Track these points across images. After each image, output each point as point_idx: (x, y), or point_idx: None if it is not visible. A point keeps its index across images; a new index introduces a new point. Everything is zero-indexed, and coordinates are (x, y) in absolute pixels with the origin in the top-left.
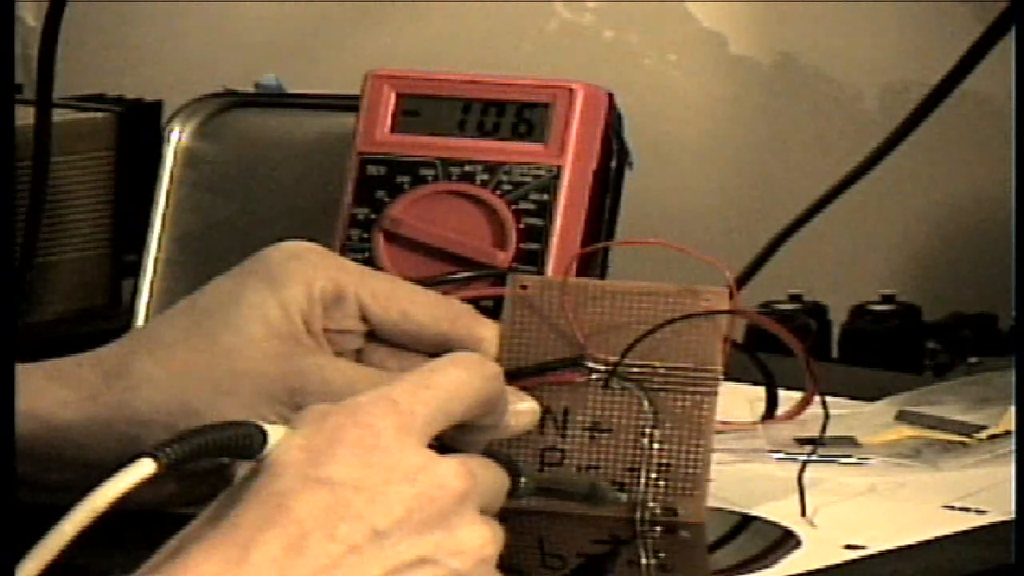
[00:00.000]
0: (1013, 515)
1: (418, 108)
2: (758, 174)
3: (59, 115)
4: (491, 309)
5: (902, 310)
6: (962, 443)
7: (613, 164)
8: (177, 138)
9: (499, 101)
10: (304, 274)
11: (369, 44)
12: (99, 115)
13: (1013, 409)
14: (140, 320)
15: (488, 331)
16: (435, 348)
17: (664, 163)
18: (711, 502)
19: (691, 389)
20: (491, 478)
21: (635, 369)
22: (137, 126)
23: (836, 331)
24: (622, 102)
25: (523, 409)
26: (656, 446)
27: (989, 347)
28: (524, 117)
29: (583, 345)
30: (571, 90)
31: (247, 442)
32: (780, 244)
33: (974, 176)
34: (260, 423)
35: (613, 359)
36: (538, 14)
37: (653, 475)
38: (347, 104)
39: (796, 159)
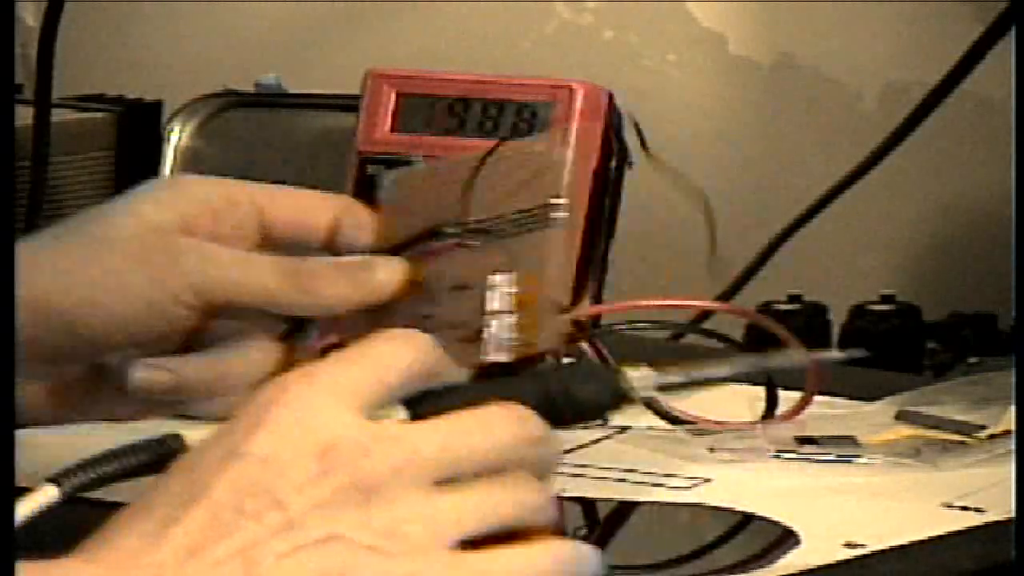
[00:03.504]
0: (1013, 514)
1: (418, 108)
2: (758, 174)
3: (59, 115)
4: None
5: (902, 310)
6: (962, 443)
7: (613, 164)
8: (177, 138)
9: (499, 101)
10: (188, 182)
11: (369, 44)
12: (99, 115)
13: (1013, 409)
14: None
15: (368, 215)
16: (327, 240)
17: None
18: (712, 501)
19: (534, 226)
20: (475, 439)
21: (486, 224)
22: (137, 126)
23: (836, 331)
24: (622, 102)
25: (395, 267)
26: (507, 289)
27: (989, 347)
28: (524, 117)
29: (443, 217)
30: (571, 90)
31: (163, 456)
32: (780, 244)
33: (974, 176)
34: (176, 433)
35: (466, 220)
36: (538, 14)
37: (507, 317)
38: (347, 104)
39: (796, 159)
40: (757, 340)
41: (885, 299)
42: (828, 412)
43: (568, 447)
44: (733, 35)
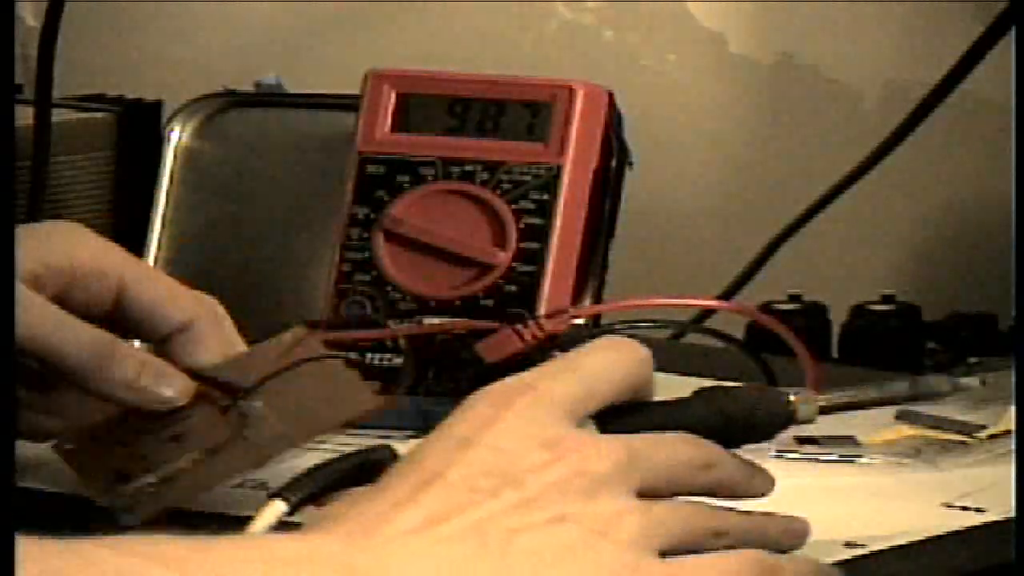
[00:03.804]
0: (1013, 514)
1: (418, 107)
2: (758, 174)
3: (59, 115)
4: (463, 338)
5: (902, 310)
6: (962, 443)
7: (613, 164)
8: (177, 138)
9: (499, 101)
10: (71, 235)
11: (369, 44)
12: (99, 115)
13: (1013, 409)
14: None
15: (221, 333)
16: (173, 337)
17: (664, 163)
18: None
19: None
20: (664, 457)
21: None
22: (137, 126)
23: (836, 331)
24: (622, 102)
25: (184, 389)
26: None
27: (989, 347)
28: (524, 117)
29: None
30: (571, 90)
31: (375, 465)
32: (780, 244)
33: (974, 176)
34: (387, 444)
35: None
36: (538, 14)
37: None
38: (347, 104)
39: (796, 159)
40: (758, 339)
41: (885, 299)
42: None
43: None
44: (733, 35)
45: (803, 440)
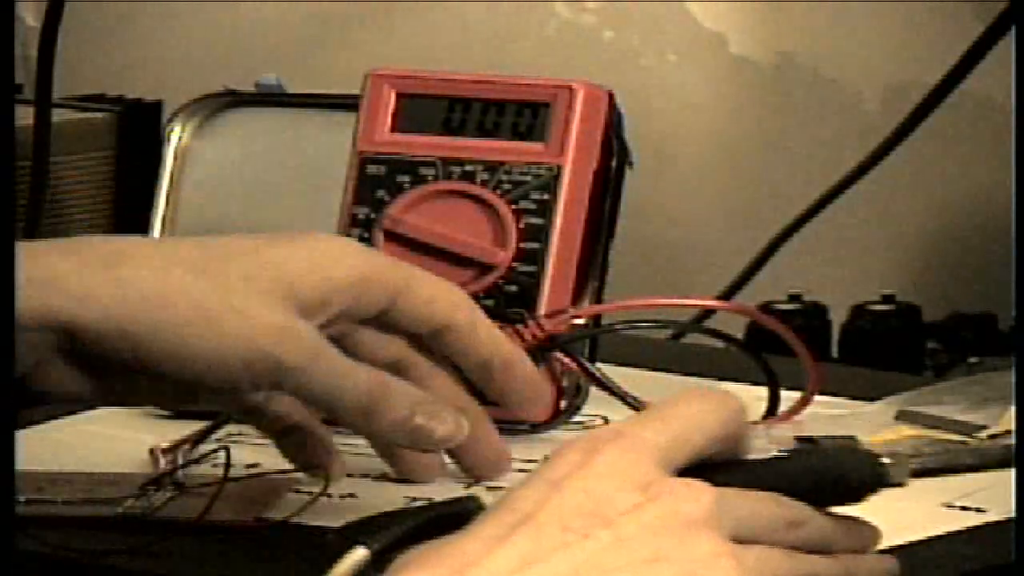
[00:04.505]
0: (1013, 514)
1: (418, 108)
2: (758, 174)
3: (59, 115)
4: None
5: (902, 310)
6: (962, 443)
7: (613, 164)
8: (177, 138)
9: (499, 101)
10: (342, 256)
11: (369, 44)
12: (99, 115)
13: (1013, 409)
14: None
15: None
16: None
17: (664, 163)
18: None
19: None
20: (751, 510)
21: None
22: (137, 126)
23: (836, 331)
24: (622, 102)
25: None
26: None
27: (989, 347)
28: (524, 117)
29: None
30: (571, 90)
31: (462, 515)
32: (780, 244)
33: (974, 176)
34: (476, 496)
35: None
36: (538, 14)
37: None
38: (347, 104)
39: (796, 159)
40: (758, 339)
41: (885, 299)
42: (828, 412)
43: None
44: (733, 35)
45: (803, 440)
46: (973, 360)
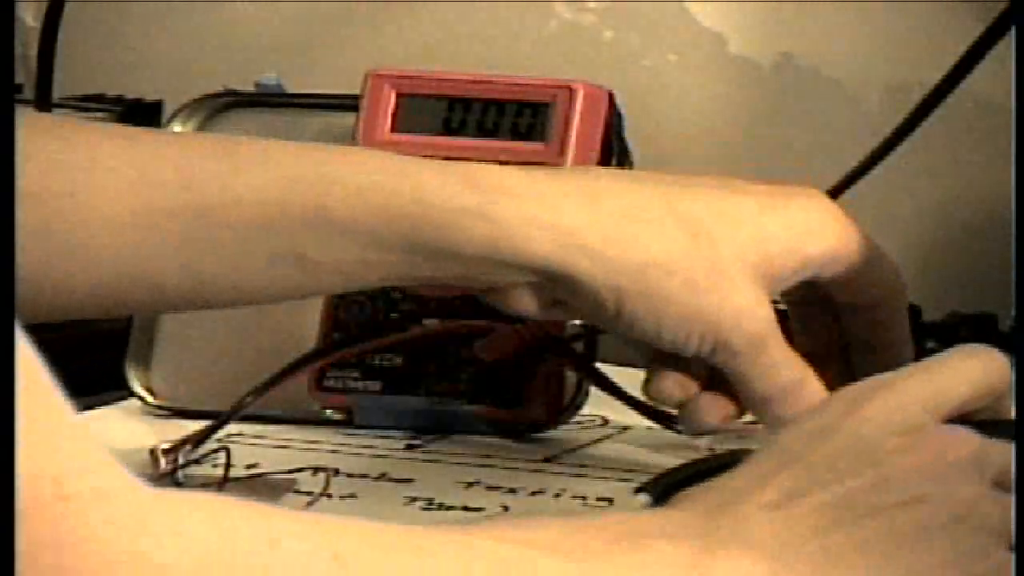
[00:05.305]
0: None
1: (418, 108)
2: (758, 174)
3: (59, 115)
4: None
5: None
6: None
7: (613, 164)
8: None
9: (499, 101)
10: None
11: (369, 44)
12: (99, 115)
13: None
14: (138, 319)
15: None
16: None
17: (664, 163)
18: None
19: None
20: (1012, 461)
21: None
22: (137, 126)
23: None
24: (622, 102)
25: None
26: None
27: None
28: (524, 117)
29: None
30: (571, 90)
31: (733, 463)
32: None
33: (974, 176)
34: (749, 449)
35: None
36: (538, 14)
37: None
38: (347, 104)
39: (796, 159)
40: None
41: None
42: None
43: (568, 447)
44: (733, 35)
45: None
46: None
